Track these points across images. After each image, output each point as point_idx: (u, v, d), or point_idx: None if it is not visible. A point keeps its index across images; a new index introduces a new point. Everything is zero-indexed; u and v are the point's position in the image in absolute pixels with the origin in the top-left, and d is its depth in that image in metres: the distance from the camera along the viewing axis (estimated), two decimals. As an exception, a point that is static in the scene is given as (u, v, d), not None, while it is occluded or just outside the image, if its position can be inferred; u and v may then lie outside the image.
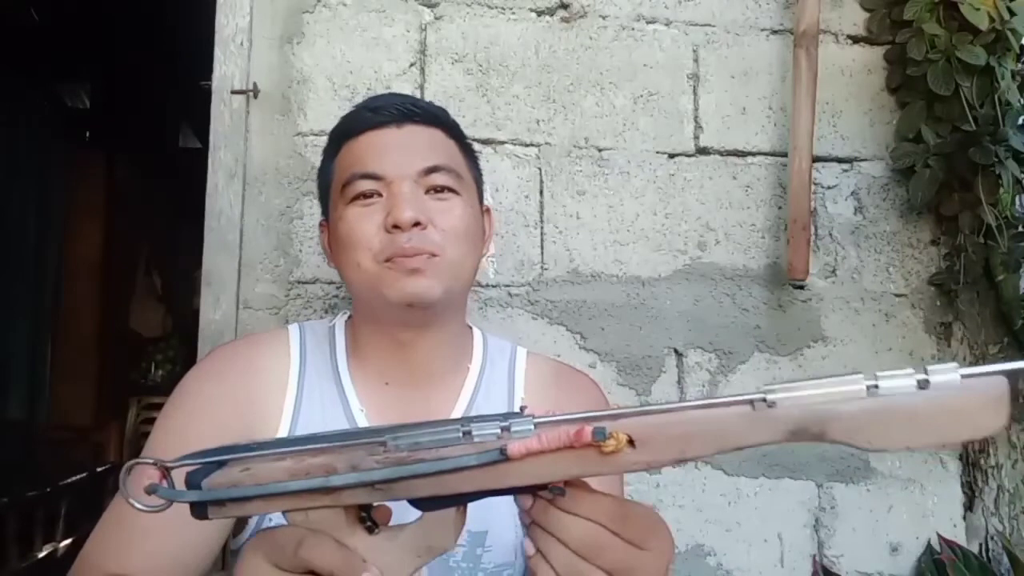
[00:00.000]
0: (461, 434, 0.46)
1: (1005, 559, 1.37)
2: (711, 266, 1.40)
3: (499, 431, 0.46)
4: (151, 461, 0.48)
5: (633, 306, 1.37)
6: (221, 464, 0.49)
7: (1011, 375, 0.38)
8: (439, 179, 0.81)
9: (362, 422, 0.81)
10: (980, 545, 1.42)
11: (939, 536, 1.37)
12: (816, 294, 1.43)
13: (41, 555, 3.15)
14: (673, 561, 0.52)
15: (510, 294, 1.34)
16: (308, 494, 0.47)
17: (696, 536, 1.34)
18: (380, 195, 0.79)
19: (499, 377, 0.89)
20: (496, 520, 0.78)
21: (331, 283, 1.29)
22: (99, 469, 3.50)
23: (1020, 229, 1.38)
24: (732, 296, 1.40)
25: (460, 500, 0.48)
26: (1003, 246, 1.35)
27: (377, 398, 0.83)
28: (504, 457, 0.44)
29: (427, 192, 0.80)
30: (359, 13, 1.35)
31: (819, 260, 1.43)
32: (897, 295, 1.45)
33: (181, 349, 4.40)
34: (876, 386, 0.39)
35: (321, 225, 0.92)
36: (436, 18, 1.37)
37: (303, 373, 0.83)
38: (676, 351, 1.38)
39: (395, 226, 0.76)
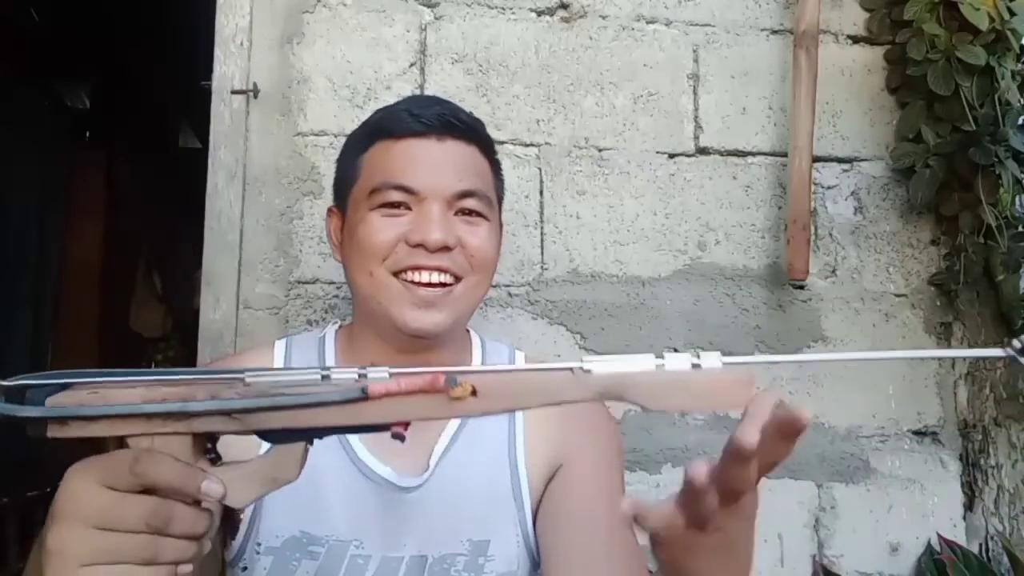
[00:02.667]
0: (320, 377, 0.49)
1: (1005, 559, 1.37)
2: (711, 266, 1.40)
3: (356, 376, 0.49)
4: None
5: (633, 306, 1.37)
6: (67, 386, 0.47)
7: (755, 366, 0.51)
8: (471, 204, 0.80)
9: (352, 439, 0.79)
10: (980, 545, 1.42)
11: (939, 536, 1.37)
12: (816, 294, 1.43)
13: (41, 555, 3.14)
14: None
15: (510, 294, 1.34)
16: (160, 419, 0.46)
17: (696, 536, 1.34)
18: (409, 208, 0.78)
19: None
20: (499, 529, 0.78)
21: (331, 283, 1.29)
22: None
23: (1020, 229, 1.38)
24: (732, 296, 1.40)
25: (310, 435, 0.50)
26: (1003, 246, 1.35)
27: None
28: (364, 396, 0.47)
29: (456, 213, 0.79)
30: (359, 13, 1.35)
31: (819, 260, 1.43)
32: (897, 295, 1.45)
33: (181, 349, 4.40)
34: (663, 364, 0.51)
35: (330, 211, 0.89)
36: (436, 18, 1.37)
37: None
38: (676, 351, 1.37)
39: (420, 244, 0.75)
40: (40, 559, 0.46)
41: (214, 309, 1.27)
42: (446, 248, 0.76)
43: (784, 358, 0.55)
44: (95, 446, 0.49)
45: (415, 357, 0.82)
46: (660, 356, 0.51)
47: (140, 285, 4.43)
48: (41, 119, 3.49)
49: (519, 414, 0.85)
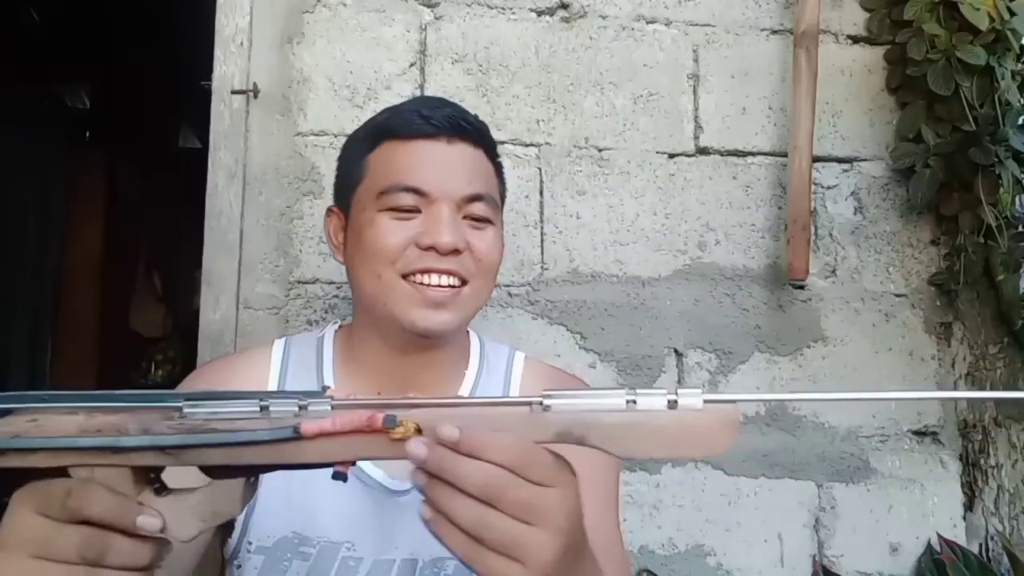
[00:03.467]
0: (259, 408, 0.47)
1: (1005, 559, 1.37)
2: (711, 266, 1.40)
3: (296, 409, 0.47)
4: None
5: (633, 306, 1.37)
6: (6, 412, 0.47)
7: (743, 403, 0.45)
8: (479, 208, 0.80)
9: None
10: (980, 545, 1.42)
11: (939, 536, 1.37)
12: (816, 294, 1.43)
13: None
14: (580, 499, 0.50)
15: (510, 294, 1.34)
16: (96, 452, 0.46)
17: (696, 536, 1.34)
18: (418, 211, 0.77)
19: (495, 383, 0.88)
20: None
21: (331, 283, 1.29)
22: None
23: (1020, 229, 1.38)
24: (732, 296, 1.40)
25: (251, 471, 0.48)
26: (1003, 246, 1.35)
27: None
28: (297, 435, 0.45)
29: (464, 217, 0.79)
30: (359, 13, 1.35)
31: (819, 260, 1.43)
32: (897, 295, 1.45)
33: (181, 349, 4.40)
34: (635, 401, 0.45)
35: (330, 211, 0.88)
36: (436, 18, 1.37)
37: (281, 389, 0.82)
38: (676, 351, 1.38)
39: (431, 247, 0.75)
40: None
41: (214, 309, 1.27)
42: (456, 251, 0.76)
43: (768, 397, 0.50)
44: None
45: (417, 357, 0.82)
46: (632, 392, 0.46)
47: (140, 285, 4.43)
48: (41, 119, 3.48)
49: None
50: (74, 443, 0.45)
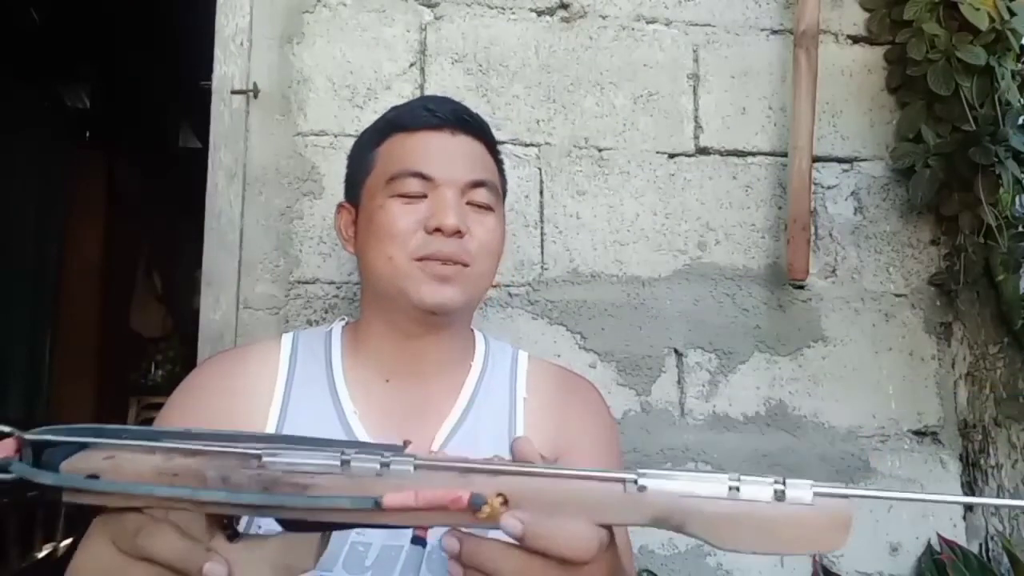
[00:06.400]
0: (340, 463, 0.46)
1: (1005, 559, 1.37)
2: (711, 266, 1.40)
3: (378, 467, 0.46)
4: (7, 430, 0.46)
5: (633, 306, 1.37)
6: (83, 447, 0.47)
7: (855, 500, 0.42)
8: (481, 195, 0.84)
9: (355, 425, 0.81)
10: (980, 545, 1.42)
11: (939, 536, 1.37)
12: (816, 294, 1.43)
13: (41, 555, 3.15)
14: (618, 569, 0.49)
15: (510, 294, 1.34)
16: (170, 500, 0.46)
17: (696, 536, 1.34)
18: (425, 196, 0.82)
19: (500, 378, 0.89)
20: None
21: (331, 283, 1.29)
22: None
23: (1020, 229, 1.38)
24: (732, 296, 1.40)
25: (324, 527, 0.48)
26: (1003, 246, 1.35)
27: (375, 396, 0.84)
28: (378, 506, 0.44)
29: (468, 203, 0.84)
30: (359, 13, 1.35)
31: (819, 260, 1.43)
32: (897, 295, 1.45)
33: (181, 349, 4.40)
34: (738, 489, 0.43)
35: (341, 207, 0.92)
36: (436, 18, 1.37)
37: (290, 383, 0.84)
38: (676, 351, 1.38)
39: (437, 229, 0.80)
40: None
41: (214, 309, 1.27)
42: (459, 233, 0.80)
43: (874, 494, 0.46)
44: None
45: (423, 341, 0.85)
46: (735, 477, 0.43)
47: (140, 285, 4.43)
48: (41, 119, 3.48)
49: (518, 406, 0.87)
50: (151, 491, 0.45)
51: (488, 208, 0.85)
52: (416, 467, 0.45)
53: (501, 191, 0.90)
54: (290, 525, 0.48)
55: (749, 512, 0.42)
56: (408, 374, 0.85)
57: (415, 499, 0.44)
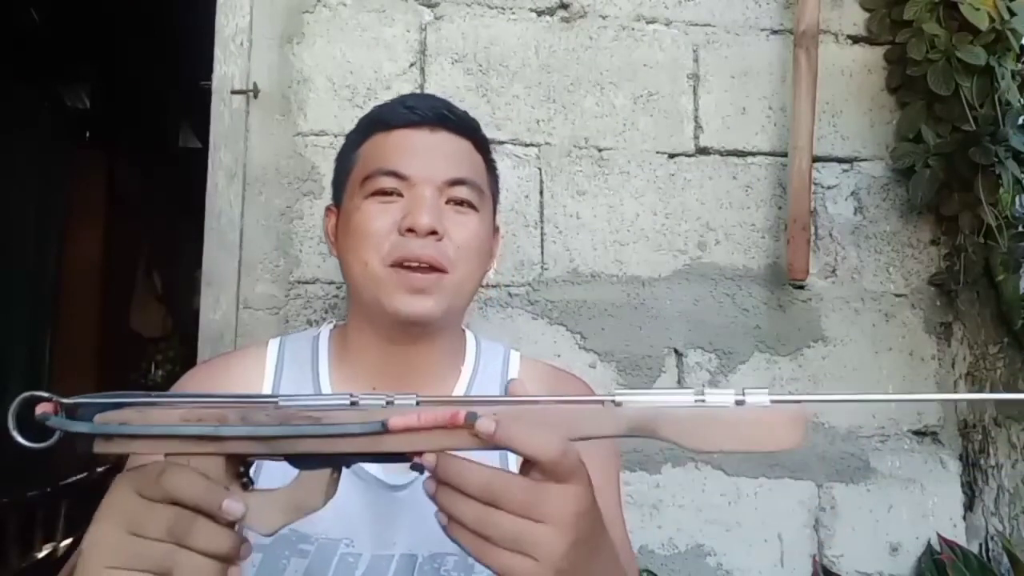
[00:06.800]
0: (349, 402, 0.51)
1: (1005, 559, 1.37)
2: (711, 266, 1.40)
3: (384, 403, 0.51)
4: (47, 395, 0.50)
5: (633, 306, 1.37)
6: (115, 406, 0.51)
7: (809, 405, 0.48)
8: (462, 192, 0.80)
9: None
10: (980, 545, 1.42)
11: (939, 536, 1.37)
12: (816, 294, 1.43)
13: (41, 555, 3.15)
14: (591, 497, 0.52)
15: (510, 294, 1.34)
16: (195, 440, 0.49)
17: (696, 536, 1.34)
18: (401, 195, 0.79)
19: (491, 380, 0.87)
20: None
21: (331, 283, 1.29)
22: (99, 469, 3.50)
23: (1020, 229, 1.38)
24: (732, 296, 1.40)
25: (336, 462, 0.51)
26: (1003, 246, 1.35)
27: None
28: (384, 429, 0.48)
29: (447, 202, 0.80)
30: (359, 13, 1.35)
31: (819, 260, 1.43)
32: (897, 295, 1.45)
33: (181, 349, 4.41)
34: (703, 399, 0.48)
35: (328, 211, 0.90)
36: (436, 18, 1.37)
37: (276, 388, 0.82)
38: (676, 351, 1.38)
39: (410, 230, 0.76)
40: (75, 560, 0.49)
41: (214, 309, 1.27)
42: (434, 233, 0.76)
43: (831, 398, 0.52)
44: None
45: (409, 349, 0.82)
46: (700, 393, 0.48)
47: (140, 285, 4.43)
48: (41, 119, 3.48)
49: None
50: (176, 430, 0.49)
51: (470, 206, 0.81)
52: (419, 403, 0.50)
53: (490, 190, 0.86)
54: (302, 463, 0.51)
55: (715, 415, 0.47)
56: (395, 381, 0.82)
57: (418, 419, 0.48)
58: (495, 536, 0.49)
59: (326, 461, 0.51)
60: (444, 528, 0.51)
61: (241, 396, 0.53)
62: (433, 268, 0.77)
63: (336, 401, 0.51)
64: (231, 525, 0.49)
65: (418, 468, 0.50)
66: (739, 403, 0.48)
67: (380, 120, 0.84)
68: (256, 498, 0.50)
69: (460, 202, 0.80)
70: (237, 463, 0.51)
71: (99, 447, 0.50)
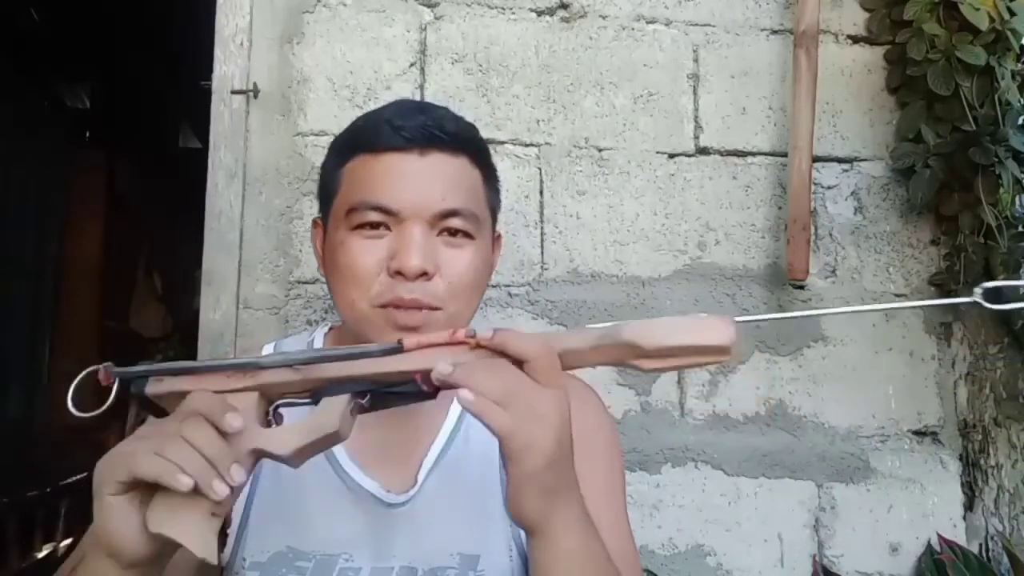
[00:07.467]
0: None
1: (1005, 559, 1.37)
2: (711, 266, 1.40)
3: (396, 343, 0.60)
4: (103, 366, 0.61)
5: (633, 306, 1.37)
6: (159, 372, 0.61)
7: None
8: (455, 223, 0.75)
9: (336, 448, 0.77)
10: (980, 545, 1.42)
11: (939, 536, 1.37)
12: (816, 294, 1.43)
13: (41, 555, 3.15)
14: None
15: (510, 294, 1.34)
16: (236, 375, 0.58)
17: (696, 536, 1.34)
18: (388, 229, 0.73)
19: None
20: (489, 545, 0.77)
21: (331, 283, 1.29)
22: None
23: (1020, 229, 1.38)
24: (732, 296, 1.40)
25: (355, 386, 0.58)
26: (1003, 246, 1.35)
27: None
28: (400, 348, 0.58)
29: (440, 233, 0.75)
30: (359, 13, 1.35)
31: (819, 260, 1.43)
32: (897, 295, 1.45)
33: (181, 349, 4.40)
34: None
35: (315, 223, 0.85)
36: (436, 18, 1.37)
37: None
38: (676, 351, 1.38)
39: (399, 272, 0.71)
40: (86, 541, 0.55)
41: (214, 309, 1.27)
42: (425, 274, 0.72)
43: (764, 318, 0.67)
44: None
45: None
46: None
47: (140, 285, 4.43)
48: (41, 119, 3.49)
49: None
50: (219, 363, 0.59)
51: (465, 235, 0.75)
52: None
53: (490, 208, 0.81)
54: (327, 392, 0.58)
55: (666, 320, 0.57)
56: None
57: (427, 337, 0.59)
58: (515, 406, 0.56)
59: (346, 386, 0.58)
60: (469, 405, 0.55)
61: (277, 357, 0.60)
62: (425, 307, 0.73)
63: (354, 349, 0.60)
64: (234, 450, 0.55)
65: (431, 396, 0.57)
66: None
67: (365, 140, 0.77)
68: (277, 429, 0.58)
69: (454, 232, 0.75)
70: (267, 404, 0.59)
71: (151, 387, 0.59)
